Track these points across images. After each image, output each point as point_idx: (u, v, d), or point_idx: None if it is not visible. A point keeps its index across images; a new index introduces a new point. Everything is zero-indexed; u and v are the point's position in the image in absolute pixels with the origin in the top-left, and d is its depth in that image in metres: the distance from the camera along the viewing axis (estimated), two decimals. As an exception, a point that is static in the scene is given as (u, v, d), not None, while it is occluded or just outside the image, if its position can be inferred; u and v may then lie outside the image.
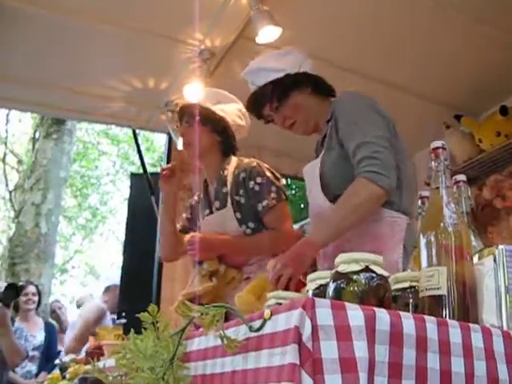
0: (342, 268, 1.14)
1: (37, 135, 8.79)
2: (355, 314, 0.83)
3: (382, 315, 0.85)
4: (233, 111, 2.60)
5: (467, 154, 4.15)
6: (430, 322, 0.91)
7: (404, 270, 1.92)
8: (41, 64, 3.76)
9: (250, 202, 2.45)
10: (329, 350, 0.79)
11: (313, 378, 0.80)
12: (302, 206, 11.60)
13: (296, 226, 3.24)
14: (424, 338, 0.88)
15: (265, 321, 0.90)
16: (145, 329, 1.14)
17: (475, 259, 1.24)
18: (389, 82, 3.94)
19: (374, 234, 1.99)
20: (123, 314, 3.87)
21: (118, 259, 16.31)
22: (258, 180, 2.45)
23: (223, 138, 2.59)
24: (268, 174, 2.49)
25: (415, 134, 4.33)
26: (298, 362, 0.81)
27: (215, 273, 2.46)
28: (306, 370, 0.80)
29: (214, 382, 1.04)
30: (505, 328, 1.08)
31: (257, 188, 2.44)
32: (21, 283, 5.90)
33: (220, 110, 2.58)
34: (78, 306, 5.88)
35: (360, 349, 0.80)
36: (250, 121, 2.64)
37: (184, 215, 2.79)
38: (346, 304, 0.84)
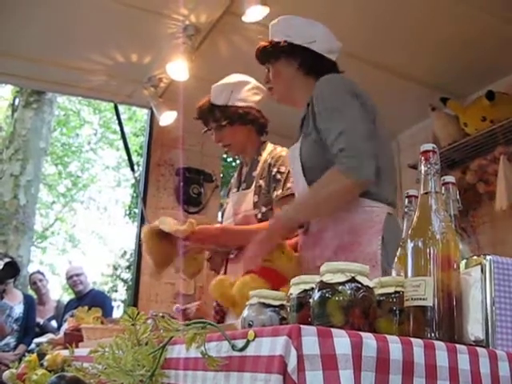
0: (328, 278, 1.10)
1: (16, 102, 8.56)
2: (341, 342, 0.80)
3: (369, 341, 0.83)
4: (249, 94, 2.58)
5: (452, 137, 4.14)
6: (417, 346, 0.89)
7: (383, 262, 1.91)
8: (21, 36, 3.66)
9: (267, 188, 2.48)
10: (314, 380, 0.76)
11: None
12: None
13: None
14: (411, 363, 0.86)
15: (248, 341, 0.87)
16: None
17: (462, 266, 1.22)
18: (375, 63, 3.91)
19: (351, 224, 1.96)
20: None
21: (97, 227, 16.24)
22: (282, 169, 2.45)
23: (255, 125, 2.61)
24: None
25: (400, 115, 4.33)
26: (282, 394, 0.78)
27: None
28: (290, 402, 0.77)
29: (196, 395, 1.02)
30: (490, 341, 1.07)
31: (278, 176, 2.45)
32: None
33: (239, 101, 2.55)
34: (69, 278, 5.81)
35: (346, 378, 0.77)
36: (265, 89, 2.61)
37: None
38: (333, 330, 0.82)
